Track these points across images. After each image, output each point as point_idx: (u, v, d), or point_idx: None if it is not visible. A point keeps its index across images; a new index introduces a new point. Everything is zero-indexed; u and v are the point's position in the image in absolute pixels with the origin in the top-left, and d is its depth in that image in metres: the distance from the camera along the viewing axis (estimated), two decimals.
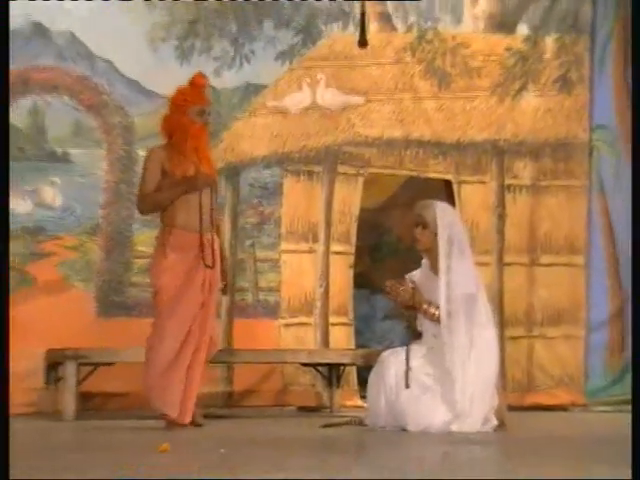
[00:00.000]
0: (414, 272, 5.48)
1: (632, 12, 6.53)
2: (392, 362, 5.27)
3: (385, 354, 5.40)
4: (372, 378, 5.39)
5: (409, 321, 5.45)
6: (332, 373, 6.81)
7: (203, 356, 5.34)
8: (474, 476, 3.44)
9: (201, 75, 5.54)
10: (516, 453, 4.37)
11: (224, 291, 5.69)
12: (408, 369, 5.21)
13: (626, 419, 4.37)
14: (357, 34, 6.60)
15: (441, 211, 5.38)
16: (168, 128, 5.45)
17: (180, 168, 5.34)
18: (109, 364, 6.11)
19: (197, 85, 5.47)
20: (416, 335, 5.42)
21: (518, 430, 5.28)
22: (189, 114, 5.39)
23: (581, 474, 3.44)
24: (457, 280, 5.24)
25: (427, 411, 5.12)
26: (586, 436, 5.38)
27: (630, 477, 3.01)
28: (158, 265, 5.34)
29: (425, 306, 5.30)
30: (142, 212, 5.57)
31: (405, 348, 5.32)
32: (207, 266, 5.28)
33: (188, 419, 5.28)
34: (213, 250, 5.34)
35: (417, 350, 5.30)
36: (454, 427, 5.08)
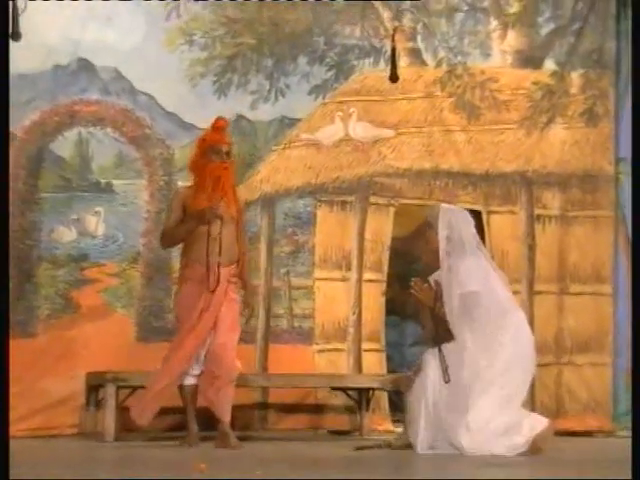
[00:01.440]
0: (437, 272, 5.62)
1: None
2: (432, 365, 5.39)
3: (426, 356, 5.48)
4: (414, 386, 5.48)
5: (437, 325, 5.54)
6: (362, 397, 6.94)
7: (176, 374, 5.67)
8: None
9: (220, 118, 5.90)
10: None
11: (248, 319, 6.05)
12: (446, 366, 5.35)
13: None
14: (388, 69, 6.80)
15: (443, 212, 5.58)
16: (192, 168, 5.88)
17: (198, 204, 5.70)
18: None
19: (216, 127, 5.86)
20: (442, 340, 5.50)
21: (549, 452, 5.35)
22: (208, 154, 5.76)
23: None
24: (456, 278, 5.39)
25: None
26: (609, 459, 5.48)
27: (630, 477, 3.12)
28: (176, 295, 5.87)
29: (439, 305, 5.45)
30: (163, 246, 6.03)
31: (438, 348, 5.44)
32: (210, 291, 5.60)
33: (139, 422, 5.67)
34: (218, 278, 5.62)
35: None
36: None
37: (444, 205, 5.68)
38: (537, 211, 7.61)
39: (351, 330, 7.24)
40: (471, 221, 5.70)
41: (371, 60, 7.42)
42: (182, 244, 5.87)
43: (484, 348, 5.34)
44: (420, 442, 5.36)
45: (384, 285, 7.35)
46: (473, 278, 5.40)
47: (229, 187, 5.80)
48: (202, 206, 5.68)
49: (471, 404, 5.25)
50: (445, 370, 5.34)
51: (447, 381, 5.32)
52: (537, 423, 5.41)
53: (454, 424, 5.26)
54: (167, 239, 5.88)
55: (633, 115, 5.88)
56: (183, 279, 5.80)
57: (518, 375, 5.43)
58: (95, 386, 6.45)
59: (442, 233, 5.49)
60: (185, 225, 5.73)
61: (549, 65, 7.73)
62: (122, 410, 6.28)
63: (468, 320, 5.36)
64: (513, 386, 5.40)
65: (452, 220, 5.56)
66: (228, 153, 5.82)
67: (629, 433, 7.12)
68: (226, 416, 5.74)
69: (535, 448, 5.30)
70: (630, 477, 3.20)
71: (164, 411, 5.99)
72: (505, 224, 7.58)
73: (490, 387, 5.29)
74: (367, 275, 7.30)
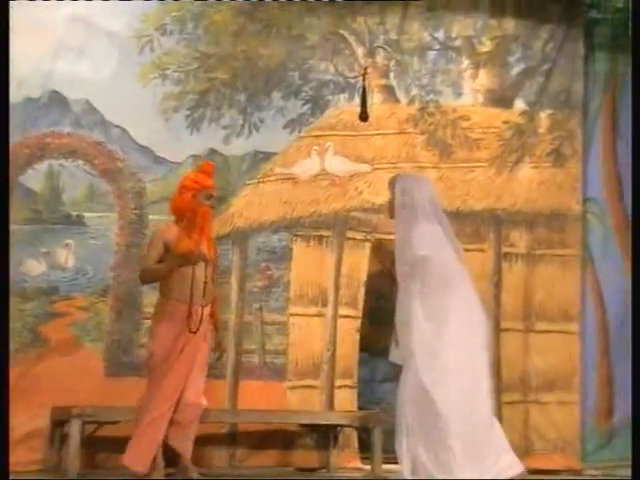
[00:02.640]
0: None
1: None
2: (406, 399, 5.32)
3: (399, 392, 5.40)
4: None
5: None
6: (329, 434, 6.92)
7: (157, 412, 5.64)
8: None
9: (209, 164, 6.05)
10: None
11: (219, 357, 6.07)
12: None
13: None
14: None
15: (399, 179, 5.67)
16: (179, 209, 5.87)
17: (183, 245, 5.74)
18: (113, 423, 6.18)
19: (206, 172, 5.94)
20: None
21: None
22: (198, 197, 5.84)
23: None
24: (408, 243, 5.36)
25: None
26: None
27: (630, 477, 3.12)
28: (152, 331, 5.82)
29: (394, 269, 5.42)
30: (142, 282, 6.04)
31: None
32: (191, 331, 5.64)
33: (136, 469, 5.62)
34: (201, 319, 5.69)
35: None
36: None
37: (403, 174, 5.78)
38: (505, 249, 7.66)
39: (325, 367, 7.21)
40: (428, 187, 5.73)
41: (346, 95, 7.47)
42: (159, 282, 5.88)
43: (432, 315, 5.28)
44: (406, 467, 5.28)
45: (359, 321, 7.34)
46: (424, 243, 5.38)
47: (210, 230, 5.98)
48: (187, 247, 5.73)
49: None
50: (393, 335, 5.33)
51: (396, 344, 5.30)
52: (514, 466, 5.33)
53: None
54: (148, 276, 5.88)
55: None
56: (160, 317, 5.78)
57: (470, 345, 5.34)
58: (60, 421, 6.37)
59: (398, 199, 5.55)
60: (168, 264, 5.74)
61: (519, 105, 7.82)
62: (87, 445, 6.22)
63: (418, 286, 5.32)
64: (464, 356, 5.30)
65: (405, 186, 5.61)
66: (214, 197, 6.02)
67: (597, 472, 7.20)
68: (188, 453, 5.77)
69: None
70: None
71: None
72: (473, 262, 7.52)
73: (440, 358, 5.23)
74: (342, 311, 7.29)
